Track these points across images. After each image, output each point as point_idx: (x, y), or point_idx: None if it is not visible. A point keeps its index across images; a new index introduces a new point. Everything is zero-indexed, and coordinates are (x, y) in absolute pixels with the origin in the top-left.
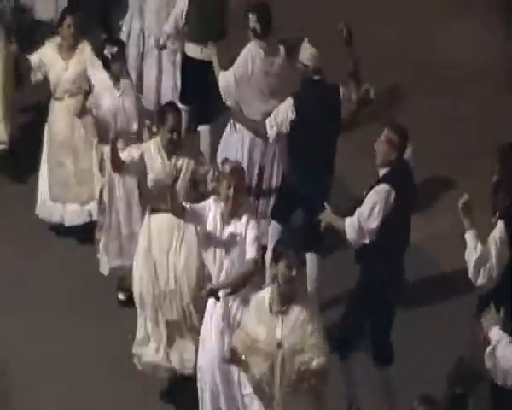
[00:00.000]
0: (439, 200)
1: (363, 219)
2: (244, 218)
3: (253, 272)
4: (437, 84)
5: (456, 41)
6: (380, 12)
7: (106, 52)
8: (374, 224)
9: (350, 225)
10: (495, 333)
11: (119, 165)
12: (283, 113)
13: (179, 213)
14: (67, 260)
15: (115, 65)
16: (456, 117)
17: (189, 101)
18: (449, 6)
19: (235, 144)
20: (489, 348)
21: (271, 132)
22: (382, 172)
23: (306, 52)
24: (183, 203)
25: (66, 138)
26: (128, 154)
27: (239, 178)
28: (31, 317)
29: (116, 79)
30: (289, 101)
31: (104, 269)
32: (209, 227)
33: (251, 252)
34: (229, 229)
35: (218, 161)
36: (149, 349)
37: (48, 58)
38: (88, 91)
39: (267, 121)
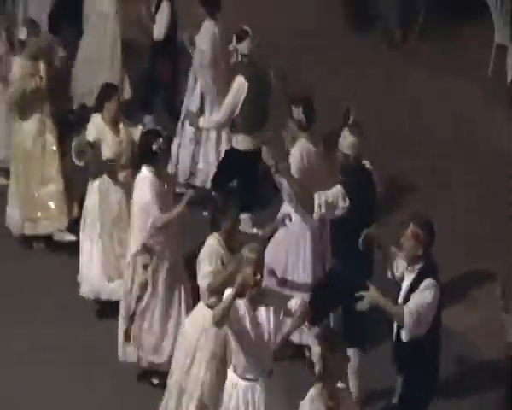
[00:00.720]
0: (477, 290)
1: (423, 309)
2: (263, 305)
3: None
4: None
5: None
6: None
7: (155, 147)
8: (430, 316)
9: (408, 314)
10: None
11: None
12: (333, 198)
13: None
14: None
15: (163, 159)
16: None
17: (221, 188)
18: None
19: (297, 244)
20: None
21: (317, 211)
22: (412, 270)
23: (346, 140)
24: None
25: (119, 215)
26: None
27: (262, 264)
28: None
29: (160, 176)
30: (339, 188)
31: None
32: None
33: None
34: (258, 315)
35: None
36: None
37: (99, 134)
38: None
39: (315, 197)
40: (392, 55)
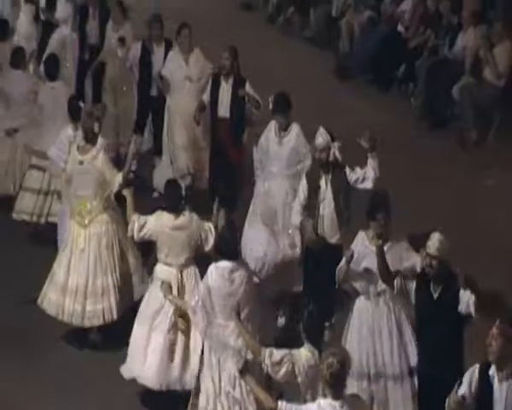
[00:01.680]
0: None
1: None
2: None
3: None
4: None
5: None
6: None
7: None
8: None
9: None
10: None
11: None
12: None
13: None
14: None
15: None
16: None
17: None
18: None
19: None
20: None
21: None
22: (504, 376)
23: (435, 243)
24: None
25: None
26: None
27: None
28: None
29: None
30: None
31: None
32: None
33: None
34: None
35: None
36: None
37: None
38: None
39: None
40: (468, 154)
